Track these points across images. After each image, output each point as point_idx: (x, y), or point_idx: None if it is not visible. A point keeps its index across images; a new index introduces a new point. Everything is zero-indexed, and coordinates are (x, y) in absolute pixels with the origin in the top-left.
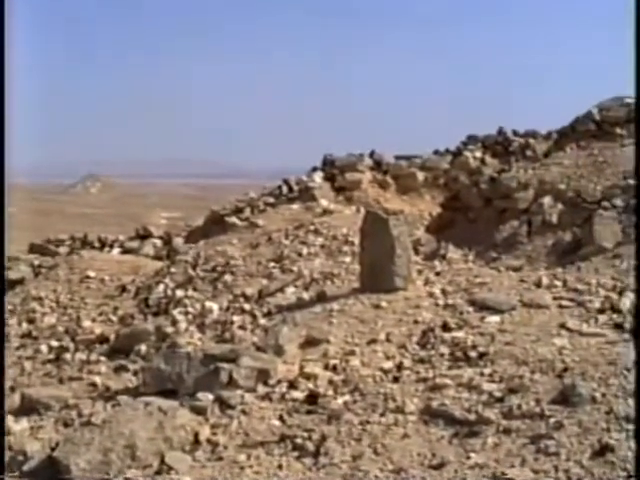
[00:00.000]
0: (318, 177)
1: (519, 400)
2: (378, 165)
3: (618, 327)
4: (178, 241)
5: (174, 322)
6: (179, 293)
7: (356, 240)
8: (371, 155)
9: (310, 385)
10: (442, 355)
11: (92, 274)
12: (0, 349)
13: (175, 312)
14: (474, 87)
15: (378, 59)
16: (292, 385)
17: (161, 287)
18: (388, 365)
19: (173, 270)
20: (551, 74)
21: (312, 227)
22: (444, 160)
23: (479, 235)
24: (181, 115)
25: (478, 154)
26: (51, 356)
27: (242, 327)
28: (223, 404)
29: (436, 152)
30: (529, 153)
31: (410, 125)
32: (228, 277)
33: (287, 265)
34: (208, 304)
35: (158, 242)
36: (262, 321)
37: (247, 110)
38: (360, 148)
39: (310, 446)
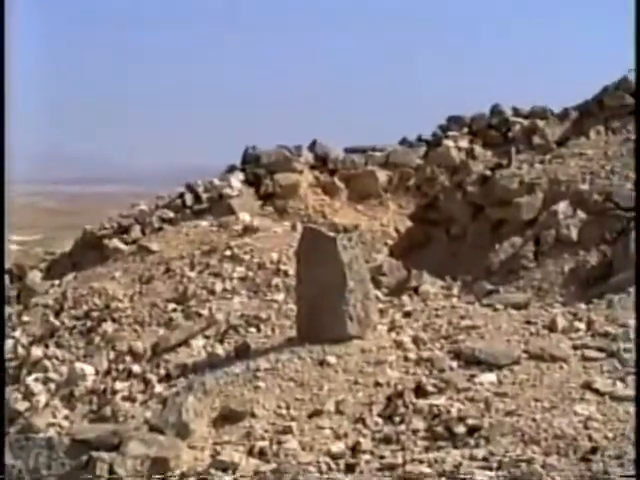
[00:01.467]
0: (236, 180)
1: None
2: (322, 162)
3: None
4: (34, 276)
5: (28, 394)
6: (36, 352)
7: (291, 269)
8: (312, 147)
9: (228, 479)
10: (415, 432)
11: None
12: (0, 350)
13: (30, 379)
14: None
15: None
16: None
17: (9, 344)
18: (339, 448)
19: (26, 318)
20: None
21: (228, 252)
22: (415, 153)
23: (466, 258)
24: (40, 93)
25: (464, 143)
26: None
27: (129, 398)
28: None
29: (404, 142)
30: (537, 140)
31: (365, 108)
32: (108, 326)
33: (194, 307)
34: (79, 366)
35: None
36: (158, 389)
37: (136, 85)
38: (296, 138)
39: None
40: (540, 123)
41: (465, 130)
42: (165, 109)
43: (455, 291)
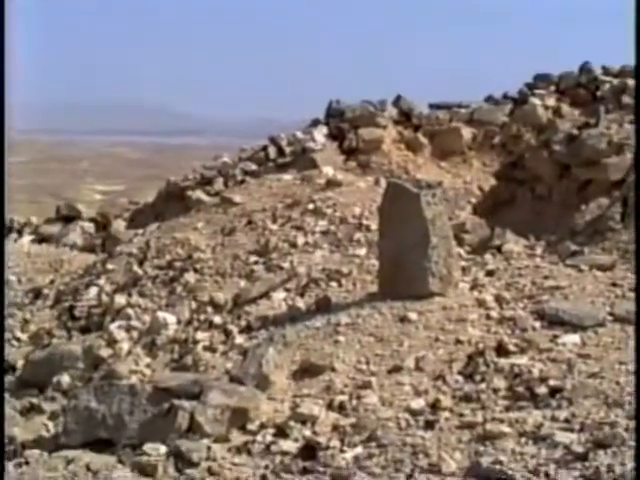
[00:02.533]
0: (320, 134)
1: (610, 459)
2: (406, 117)
3: None
4: (118, 225)
5: (111, 341)
6: (119, 300)
7: (374, 224)
8: (396, 102)
9: (307, 432)
10: (496, 391)
11: None
12: (0, 351)
13: (113, 327)
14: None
15: None
16: (281, 432)
17: (93, 291)
18: (418, 404)
19: (110, 267)
20: None
21: (311, 206)
22: (501, 111)
23: (551, 218)
24: (127, 48)
25: (551, 102)
26: None
27: (210, 348)
28: (181, 460)
29: (489, 99)
30: (626, 100)
31: (452, 62)
32: (190, 277)
33: (275, 260)
34: (161, 315)
35: (89, 226)
36: (239, 340)
37: (218, 40)
38: (380, 93)
39: None
40: (630, 82)
41: (552, 88)
42: (258, 57)
43: (539, 251)
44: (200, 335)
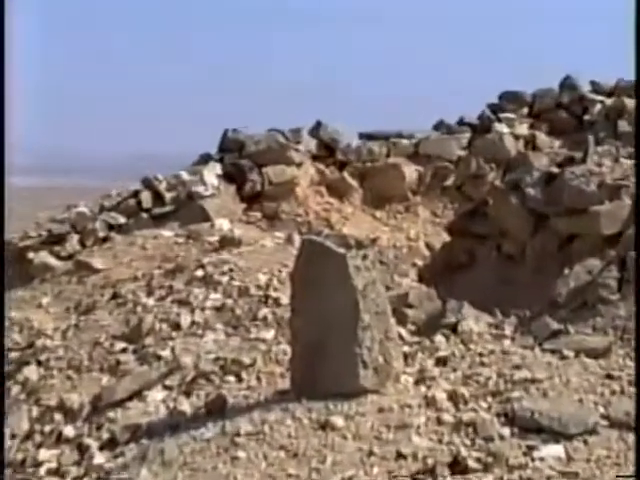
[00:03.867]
0: (211, 175)
1: None
2: (329, 151)
3: None
4: None
5: None
6: None
7: (285, 297)
8: (314, 131)
9: None
10: None
11: None
12: (0, 353)
13: None
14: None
15: None
16: None
17: None
18: None
19: None
20: None
21: (200, 272)
22: (455, 142)
23: (523, 287)
24: None
25: (522, 129)
26: None
27: (57, 472)
28: None
29: (439, 126)
30: (624, 127)
31: (388, 82)
32: (32, 372)
33: (151, 347)
34: None
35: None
36: (99, 459)
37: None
38: (293, 120)
39: None
40: (629, 102)
41: (525, 111)
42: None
43: (508, 331)
44: (44, 454)
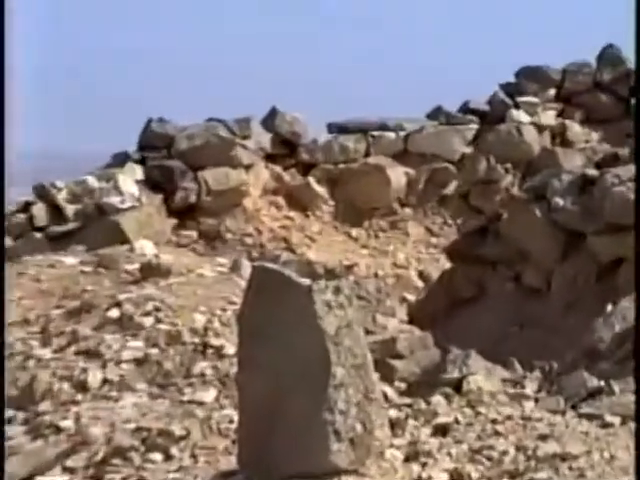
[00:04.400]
0: (130, 181)
1: None
2: (288, 148)
3: None
4: None
5: None
6: None
7: (230, 345)
8: (269, 121)
9: None
10: None
11: None
12: (0, 350)
13: None
14: None
15: None
16: None
17: None
18: None
19: None
20: None
21: (115, 312)
22: (458, 134)
23: (550, 329)
24: None
25: (548, 117)
26: None
27: None
28: None
29: (437, 114)
30: None
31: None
32: None
33: (48, 414)
34: None
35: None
36: None
37: None
38: (242, 107)
39: None
40: None
41: (551, 93)
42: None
43: (530, 389)
44: None
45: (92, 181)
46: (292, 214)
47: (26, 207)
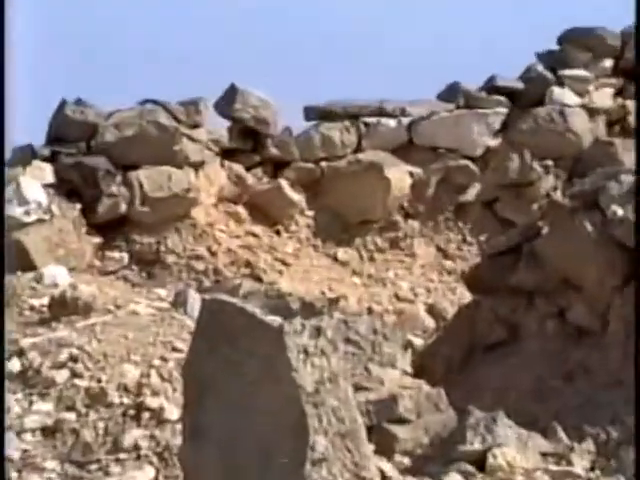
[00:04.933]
0: (36, 185)
1: None
2: (253, 139)
3: None
4: None
5: None
6: None
7: (172, 407)
8: (225, 104)
9: None
10: None
11: None
12: (0, 347)
13: None
14: None
15: None
16: None
17: None
18: None
19: None
20: None
21: (15, 364)
22: (481, 122)
23: (609, 384)
24: None
25: (603, 98)
26: None
27: None
28: None
29: (450, 94)
30: None
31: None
32: None
33: None
34: None
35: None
36: None
37: None
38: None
39: None
40: None
41: (607, 64)
42: None
43: (579, 465)
44: None
45: None
46: (258, 229)
47: None
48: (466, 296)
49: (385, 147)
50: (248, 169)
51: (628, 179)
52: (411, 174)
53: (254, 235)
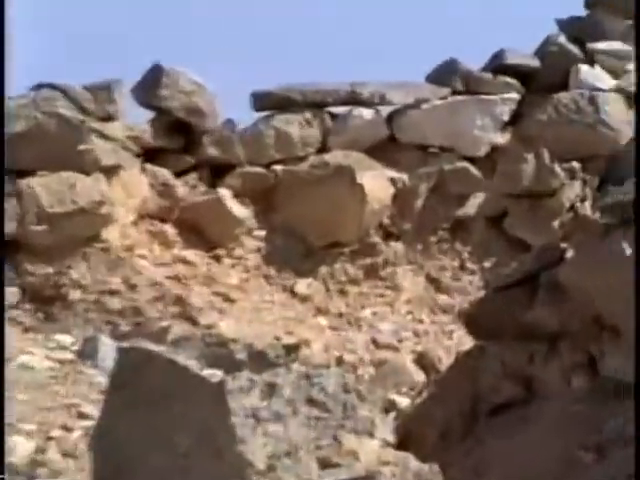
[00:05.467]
0: None
1: None
2: (183, 135)
3: None
4: None
5: None
6: None
7: None
8: (147, 87)
9: None
10: None
11: None
12: (0, 344)
13: None
14: None
15: None
16: None
17: None
18: None
19: None
20: None
21: None
22: (485, 111)
23: None
24: None
25: None
26: None
27: None
28: None
29: (445, 74)
30: None
31: None
32: None
33: None
34: None
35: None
36: None
37: None
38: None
39: None
40: None
41: None
42: None
43: None
44: None
45: None
46: (191, 254)
47: None
48: (466, 341)
49: (359, 145)
50: (178, 175)
51: None
52: (393, 181)
53: (186, 262)
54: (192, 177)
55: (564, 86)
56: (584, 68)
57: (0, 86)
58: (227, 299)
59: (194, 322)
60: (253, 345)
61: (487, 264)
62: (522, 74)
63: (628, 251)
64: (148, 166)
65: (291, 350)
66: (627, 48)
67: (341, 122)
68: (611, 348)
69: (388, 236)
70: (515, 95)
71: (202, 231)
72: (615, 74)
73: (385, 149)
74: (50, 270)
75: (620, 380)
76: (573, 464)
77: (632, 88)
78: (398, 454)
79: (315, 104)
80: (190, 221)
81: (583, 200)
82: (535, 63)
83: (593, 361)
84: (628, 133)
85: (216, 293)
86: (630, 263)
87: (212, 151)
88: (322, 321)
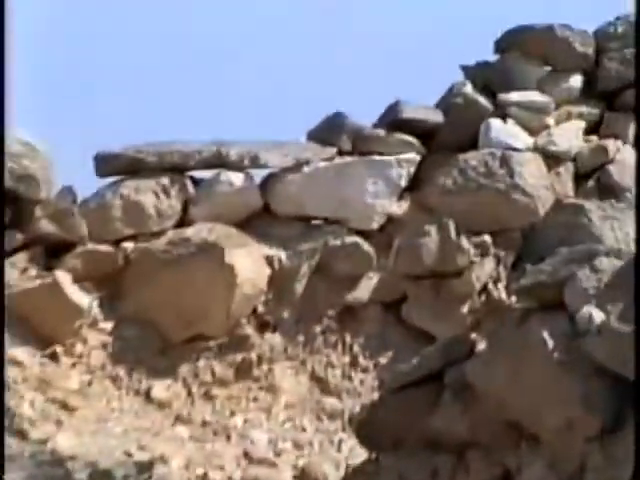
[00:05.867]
0: None
1: None
2: (13, 207)
3: None
4: None
5: None
6: None
7: None
8: None
9: None
10: None
11: None
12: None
13: None
14: None
15: None
16: None
17: None
18: None
19: None
20: None
21: None
22: (378, 175)
23: None
24: None
25: (568, 134)
26: None
27: None
28: None
29: (330, 130)
30: None
31: None
32: None
33: None
34: None
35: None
36: None
37: None
38: None
39: None
40: None
41: (575, 82)
42: None
43: None
44: None
45: None
46: (20, 353)
47: None
48: (358, 453)
49: (227, 217)
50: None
51: (609, 264)
52: (269, 260)
53: (15, 363)
54: (22, 258)
55: (472, 145)
56: (495, 123)
57: (0, 86)
58: (65, 407)
59: (23, 436)
60: (96, 463)
61: (382, 360)
62: (422, 131)
63: (550, 342)
64: None
65: (144, 468)
66: (545, 99)
67: (205, 189)
68: (530, 458)
69: (263, 326)
70: (414, 155)
71: (34, 324)
72: (531, 130)
73: (259, 221)
74: None
75: None
76: None
77: (552, 147)
78: None
79: (173, 167)
80: (19, 312)
81: (496, 281)
82: (437, 117)
83: (509, 474)
84: (547, 200)
85: (52, 400)
86: (551, 357)
87: (47, 226)
88: (183, 432)
